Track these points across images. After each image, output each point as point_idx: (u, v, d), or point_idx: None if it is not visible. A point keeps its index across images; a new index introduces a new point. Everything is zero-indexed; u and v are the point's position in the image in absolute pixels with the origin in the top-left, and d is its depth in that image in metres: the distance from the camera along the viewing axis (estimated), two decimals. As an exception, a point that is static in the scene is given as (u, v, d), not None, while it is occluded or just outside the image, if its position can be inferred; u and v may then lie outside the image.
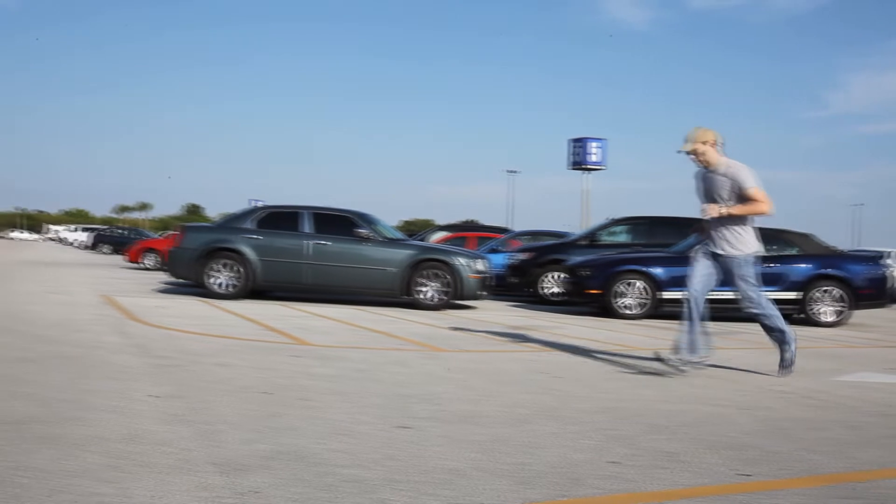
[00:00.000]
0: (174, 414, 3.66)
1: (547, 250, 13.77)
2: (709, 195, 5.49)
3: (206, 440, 3.20)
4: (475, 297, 11.59)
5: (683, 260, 11.18)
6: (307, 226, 11.42)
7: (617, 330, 9.12)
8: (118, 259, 27.22)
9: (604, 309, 11.00)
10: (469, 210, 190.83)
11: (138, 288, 13.14)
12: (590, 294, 11.29)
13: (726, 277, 5.51)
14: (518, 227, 28.41)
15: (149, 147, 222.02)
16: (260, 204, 13.48)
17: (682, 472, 3.01)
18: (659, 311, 10.92)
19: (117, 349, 5.72)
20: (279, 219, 11.59)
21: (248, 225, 11.48)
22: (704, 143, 5.42)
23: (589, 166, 34.47)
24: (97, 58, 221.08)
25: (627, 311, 10.87)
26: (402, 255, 11.23)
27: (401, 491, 2.62)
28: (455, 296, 11.19)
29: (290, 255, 11.25)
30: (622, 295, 10.95)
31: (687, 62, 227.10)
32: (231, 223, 11.77)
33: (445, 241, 18.04)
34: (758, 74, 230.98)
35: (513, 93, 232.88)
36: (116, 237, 37.38)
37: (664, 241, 12.42)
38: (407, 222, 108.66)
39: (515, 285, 13.73)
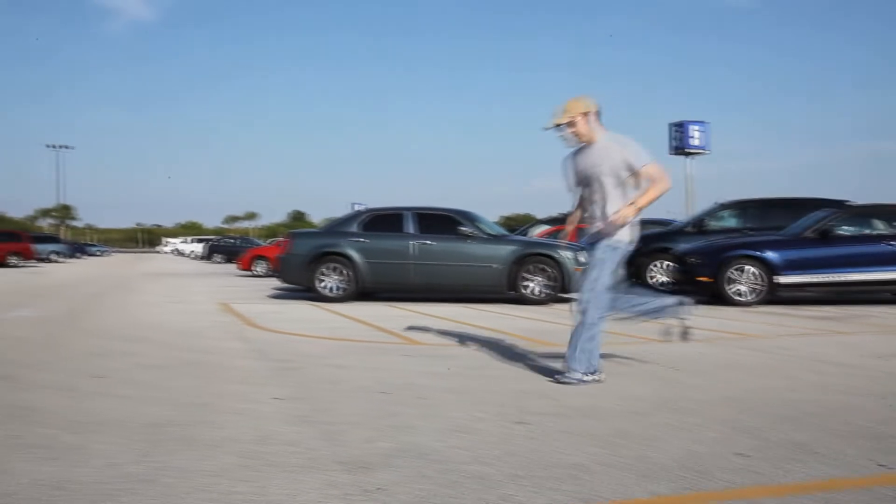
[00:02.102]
0: (298, 415, 3.79)
1: (653, 239, 13.46)
2: (584, 178, 4.67)
3: (331, 440, 3.30)
4: (582, 290, 11.45)
5: (799, 242, 10.80)
6: (411, 227, 11.58)
7: (731, 318, 8.83)
8: (230, 267, 28.34)
9: (715, 297, 10.67)
10: (568, 202, 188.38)
11: (252, 294, 13.65)
12: (700, 282, 10.97)
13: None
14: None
15: (253, 157, 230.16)
16: (363, 208, 13.74)
17: (817, 464, 2.89)
18: (775, 296, 10.51)
19: (238, 354, 5.97)
20: (383, 221, 11.81)
21: (354, 228, 11.75)
22: (581, 112, 4.56)
23: (690, 150, 33.34)
24: (197, 75, 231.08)
25: (740, 298, 10.51)
26: (506, 251, 11.24)
27: (524, 486, 2.63)
28: (561, 289, 11.10)
29: (395, 256, 11.44)
30: (734, 281, 10.60)
31: (790, 39, 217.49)
32: (337, 228, 12.07)
33: (548, 234, 17.92)
34: (870, 43, 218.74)
35: (610, 79, 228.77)
36: (228, 247, 38.85)
37: (776, 223, 11.96)
38: (506, 217, 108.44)
39: (622, 276, 13.47)
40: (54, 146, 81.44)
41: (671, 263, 12.22)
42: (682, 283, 11.40)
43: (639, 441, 3.24)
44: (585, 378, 4.56)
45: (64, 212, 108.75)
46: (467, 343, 6.61)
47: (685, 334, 5.11)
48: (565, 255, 11.17)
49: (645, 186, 4.53)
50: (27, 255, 33.04)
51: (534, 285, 11.10)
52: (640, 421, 3.64)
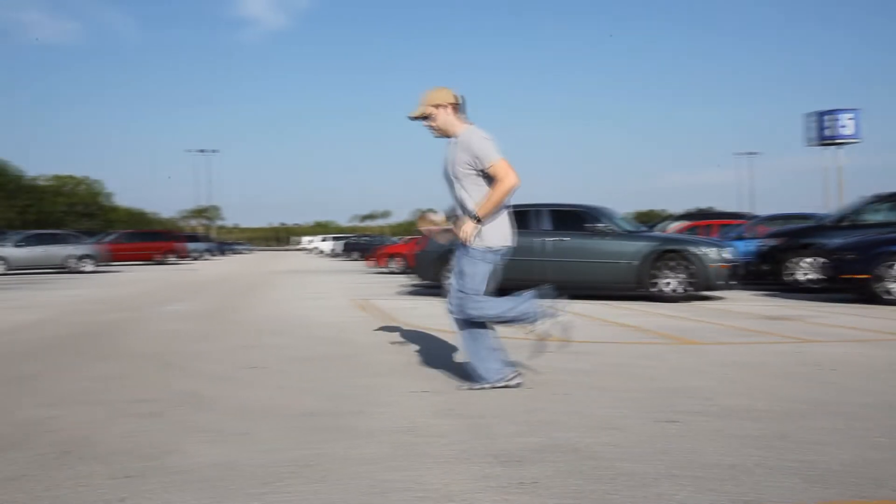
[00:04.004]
0: (445, 408, 3.86)
1: (799, 234, 12.77)
2: (445, 175, 4.39)
3: (480, 432, 3.34)
4: (721, 288, 11.05)
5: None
6: (543, 223, 11.53)
7: (888, 318, 8.26)
8: (364, 265, 29.15)
9: (868, 295, 10.01)
10: (701, 197, 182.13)
11: (387, 290, 13.98)
12: (852, 279, 10.32)
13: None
14: (756, 211, 26.61)
15: (383, 156, 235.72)
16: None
17: None
18: (939, 295, 9.76)
19: (380, 348, 6.13)
20: (516, 218, 11.73)
21: (485, 225, 11.81)
22: (436, 106, 4.30)
23: (840, 140, 31.38)
24: (325, 79, 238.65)
25: (891, 297, 9.81)
26: (641, 247, 10.98)
27: (682, 486, 2.57)
28: (699, 286, 10.75)
29: (527, 252, 11.40)
30: (891, 279, 9.90)
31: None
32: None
33: (684, 230, 17.39)
34: None
35: (742, 71, 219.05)
36: (363, 244, 39.89)
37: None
38: (638, 213, 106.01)
39: (765, 273, 12.84)
40: (200, 150, 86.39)
41: (820, 260, 11.56)
42: (833, 281, 10.76)
43: (801, 444, 3.10)
44: (498, 384, 4.32)
45: (209, 212, 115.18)
46: (607, 340, 6.52)
47: (559, 332, 4.44)
48: (703, 251, 10.80)
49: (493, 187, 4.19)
50: (177, 253, 35.32)
51: (671, 282, 10.79)
52: (800, 424, 3.47)
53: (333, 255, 45.61)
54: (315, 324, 8.08)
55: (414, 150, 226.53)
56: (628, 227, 11.68)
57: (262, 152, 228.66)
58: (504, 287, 12.15)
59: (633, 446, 3.09)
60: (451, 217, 4.53)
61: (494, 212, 4.20)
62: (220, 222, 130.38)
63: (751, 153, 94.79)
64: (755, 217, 17.70)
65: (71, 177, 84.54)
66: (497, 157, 4.13)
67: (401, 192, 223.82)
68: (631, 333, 7.06)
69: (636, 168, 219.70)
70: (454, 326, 4.44)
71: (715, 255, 10.81)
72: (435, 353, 5.79)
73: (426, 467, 2.82)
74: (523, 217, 11.68)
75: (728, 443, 3.13)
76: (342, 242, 45.01)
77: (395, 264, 22.78)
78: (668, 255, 10.85)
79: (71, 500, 2.51)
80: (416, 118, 4.38)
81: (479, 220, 4.14)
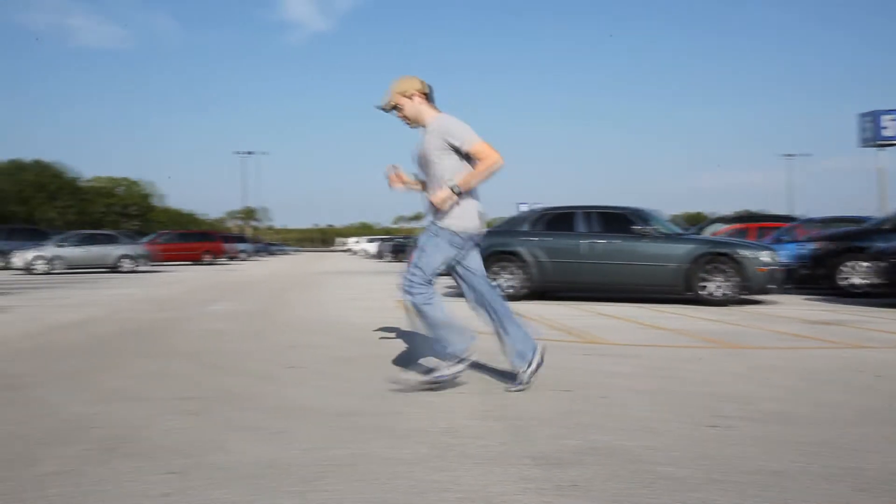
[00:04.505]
0: (483, 410, 3.85)
1: (847, 237, 12.51)
2: (420, 162, 4.32)
3: (518, 434, 3.33)
4: (764, 292, 10.87)
5: None
6: (584, 225, 11.46)
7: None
8: (403, 266, 29.23)
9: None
10: (741, 199, 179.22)
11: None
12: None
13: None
14: (799, 214, 26.05)
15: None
16: (531, 208, 13.70)
17: None
18: None
19: (423, 349, 6.13)
20: (556, 220, 11.75)
21: (526, 228, 11.78)
22: (404, 95, 4.26)
23: (882, 142, 30.62)
24: (365, 81, 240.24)
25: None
26: (682, 250, 10.86)
27: (725, 491, 2.53)
28: (742, 290, 10.59)
29: (568, 255, 11.36)
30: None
31: None
32: (509, 227, 12.13)
33: (725, 233, 17.15)
34: None
35: (781, 69, 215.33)
36: (400, 246, 40.05)
37: None
38: (675, 216, 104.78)
39: (816, 277, 12.57)
40: (248, 152, 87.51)
41: (870, 263, 11.30)
42: (887, 286, 10.48)
43: (847, 451, 3.03)
44: (453, 369, 4.28)
45: (254, 213, 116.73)
46: (647, 343, 6.45)
47: (451, 377, 4.34)
48: (746, 255, 10.64)
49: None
50: (220, 254, 35.85)
51: (713, 286, 10.65)
52: (847, 430, 3.39)
53: (377, 255, 45.77)
54: (356, 324, 8.13)
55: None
56: (669, 230, 11.56)
57: (307, 154, 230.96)
58: (548, 289, 12.11)
59: (673, 450, 3.06)
60: (421, 181, 4.44)
61: (474, 187, 4.15)
62: (265, 223, 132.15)
63: (795, 155, 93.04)
64: (803, 219, 17.38)
65: (111, 178, 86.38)
66: (478, 139, 4.09)
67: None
68: (673, 337, 6.98)
69: (674, 170, 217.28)
70: (408, 305, 4.32)
71: (762, 258, 10.66)
72: (476, 355, 5.78)
73: (465, 469, 2.82)
74: (567, 219, 11.64)
75: (771, 448, 3.08)
76: (386, 243, 45.20)
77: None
78: (715, 258, 10.71)
79: (117, 495, 2.56)
80: (383, 109, 4.33)
81: (457, 193, 4.08)
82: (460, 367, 4.31)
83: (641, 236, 11.07)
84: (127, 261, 25.76)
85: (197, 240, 36.40)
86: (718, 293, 10.59)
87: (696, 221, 35.91)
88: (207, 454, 3.05)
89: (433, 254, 4.19)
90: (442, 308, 4.29)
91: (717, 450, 3.06)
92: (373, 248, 51.36)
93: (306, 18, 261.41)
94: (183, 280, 19.71)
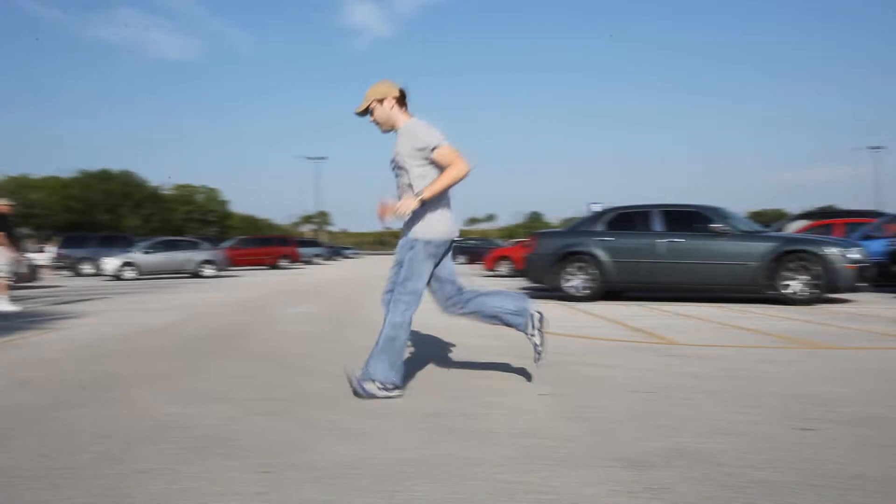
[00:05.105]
0: (566, 411, 3.82)
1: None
2: (393, 167, 4.26)
3: (603, 436, 3.30)
4: (851, 290, 10.48)
5: None
6: (658, 224, 11.27)
7: None
8: (474, 268, 29.28)
9: None
10: (821, 195, 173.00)
11: (498, 293, 13.95)
12: None
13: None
14: (880, 209, 24.99)
15: (488, 160, 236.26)
16: (601, 207, 13.47)
17: None
18: None
19: (497, 351, 6.14)
20: (629, 219, 11.59)
21: (599, 227, 11.66)
22: (378, 99, 4.22)
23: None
24: (433, 83, 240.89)
25: None
26: (762, 247, 10.57)
27: (823, 497, 2.45)
28: (827, 289, 10.24)
29: (642, 254, 11.18)
30: None
31: None
32: (581, 227, 12.02)
33: (806, 230, 16.61)
34: None
35: (866, 59, 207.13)
36: (469, 248, 40.10)
37: None
38: (752, 213, 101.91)
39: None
40: (315, 157, 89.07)
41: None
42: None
43: (951, 456, 2.90)
44: (379, 392, 4.19)
45: (319, 217, 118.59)
46: (728, 344, 6.30)
47: (536, 353, 4.42)
48: (829, 251, 10.29)
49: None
50: (294, 258, 36.54)
51: (797, 284, 10.32)
52: (949, 434, 3.25)
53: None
54: (431, 326, 8.17)
55: (518, 153, 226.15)
56: (747, 228, 11.26)
57: (369, 158, 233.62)
58: (623, 289, 11.95)
59: (762, 454, 2.98)
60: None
61: (440, 195, 4.11)
62: (329, 227, 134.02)
63: (882, 147, 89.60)
64: (885, 215, 16.69)
65: (189, 186, 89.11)
66: (442, 140, 4.04)
67: (504, 195, 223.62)
68: (752, 337, 6.80)
69: (745, 166, 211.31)
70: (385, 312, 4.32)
71: (841, 255, 10.30)
72: (552, 356, 5.75)
73: (551, 470, 2.81)
74: (641, 218, 11.47)
75: (865, 453, 2.97)
76: (456, 245, 45.29)
77: (503, 267, 22.78)
78: (791, 255, 10.39)
79: (211, 493, 2.64)
80: (360, 113, 4.31)
81: (421, 201, 4.04)
82: (391, 394, 4.25)
83: (719, 234, 10.81)
84: (207, 266, 26.52)
85: (273, 245, 37.20)
86: (803, 292, 10.27)
87: (776, 219, 34.85)
88: (294, 454, 3.11)
89: (417, 272, 4.20)
90: (404, 339, 4.25)
91: (811, 453, 2.97)
92: None
93: (370, 24, 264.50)
94: (261, 284, 20.18)
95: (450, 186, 4.07)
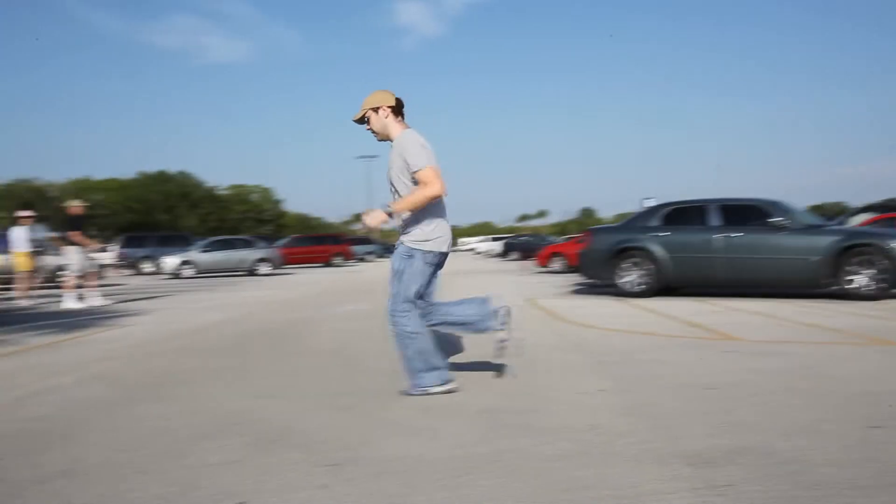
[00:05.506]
0: (626, 407, 3.80)
1: None
2: (388, 177, 4.27)
3: (664, 433, 3.27)
4: (922, 285, 10.14)
5: None
6: (715, 219, 11.06)
7: None
8: (526, 264, 29.16)
9: None
10: (885, 188, 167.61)
11: (554, 290, 13.92)
12: None
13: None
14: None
15: (540, 157, 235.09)
16: (655, 202, 13.27)
17: None
18: None
19: (555, 347, 6.13)
20: (685, 214, 11.40)
21: (654, 223, 11.50)
22: (373, 109, 4.27)
23: None
24: (479, 83, 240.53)
25: None
26: (824, 241, 10.29)
27: (894, 496, 2.39)
28: (893, 283, 9.92)
29: (699, 249, 11.00)
30: None
31: None
32: (636, 223, 11.88)
33: (871, 223, 16.12)
34: None
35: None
36: (522, 244, 39.94)
37: None
38: (813, 207, 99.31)
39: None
40: (362, 157, 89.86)
41: None
42: None
43: None
44: (433, 389, 4.26)
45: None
46: (790, 340, 6.17)
47: (500, 348, 4.61)
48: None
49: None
50: (347, 256, 36.91)
51: (862, 279, 10.03)
52: None
53: (502, 254, 45.90)
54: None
55: (570, 149, 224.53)
56: (808, 221, 10.98)
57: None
58: (678, 285, 11.74)
59: (833, 452, 2.91)
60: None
61: (435, 209, 4.21)
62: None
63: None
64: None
65: (244, 185, 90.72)
66: (424, 164, 4.07)
67: (556, 192, 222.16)
68: (819, 333, 6.64)
69: (805, 160, 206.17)
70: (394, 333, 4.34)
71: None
72: (610, 352, 5.72)
73: (612, 466, 2.80)
74: (696, 213, 11.28)
75: (945, 451, 2.88)
76: (501, 243, 45.25)
77: (556, 264, 22.65)
78: (856, 249, 10.10)
79: (281, 484, 2.70)
80: (356, 121, 4.36)
81: (390, 214, 4.12)
82: (445, 387, 4.30)
83: (779, 229, 10.57)
84: (263, 264, 26.96)
85: (320, 243, 37.56)
86: (869, 287, 9.98)
87: (837, 213, 33.94)
88: (359, 448, 3.16)
89: (412, 279, 4.21)
90: (427, 338, 4.27)
91: (884, 452, 2.90)
92: (498, 246, 51.30)
93: (418, 23, 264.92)
94: (311, 282, 20.44)
95: (418, 206, 4.10)
